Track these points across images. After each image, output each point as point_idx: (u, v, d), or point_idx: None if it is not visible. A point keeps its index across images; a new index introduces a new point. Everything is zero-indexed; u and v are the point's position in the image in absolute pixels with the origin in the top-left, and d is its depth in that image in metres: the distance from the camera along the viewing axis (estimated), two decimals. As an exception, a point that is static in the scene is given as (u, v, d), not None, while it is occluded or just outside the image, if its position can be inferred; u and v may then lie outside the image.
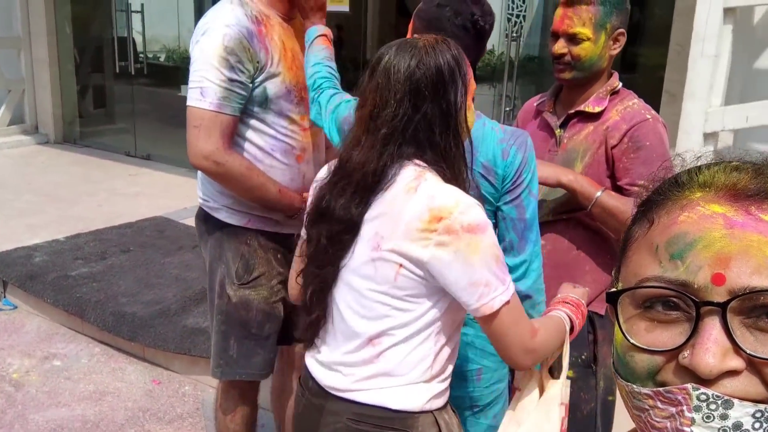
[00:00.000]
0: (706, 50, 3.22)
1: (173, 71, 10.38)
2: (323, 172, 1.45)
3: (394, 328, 1.31)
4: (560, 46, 1.77)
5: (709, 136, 3.31)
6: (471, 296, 1.24)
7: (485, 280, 1.23)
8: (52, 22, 7.28)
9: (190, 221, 5.11)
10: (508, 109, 5.43)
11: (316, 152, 2.07)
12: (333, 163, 1.40)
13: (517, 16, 18.88)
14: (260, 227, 1.99)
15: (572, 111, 1.86)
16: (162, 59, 10.99)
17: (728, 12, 3.20)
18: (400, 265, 1.27)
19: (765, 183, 0.56)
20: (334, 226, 1.31)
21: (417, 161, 1.29)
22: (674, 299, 0.54)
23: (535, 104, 2.00)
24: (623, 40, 1.79)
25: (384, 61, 1.28)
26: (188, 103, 1.82)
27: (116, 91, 7.78)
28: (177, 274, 3.87)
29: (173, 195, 5.59)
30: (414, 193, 1.25)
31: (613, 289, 0.59)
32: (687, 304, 0.53)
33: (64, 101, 7.52)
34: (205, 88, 1.78)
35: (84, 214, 5.01)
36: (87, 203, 5.32)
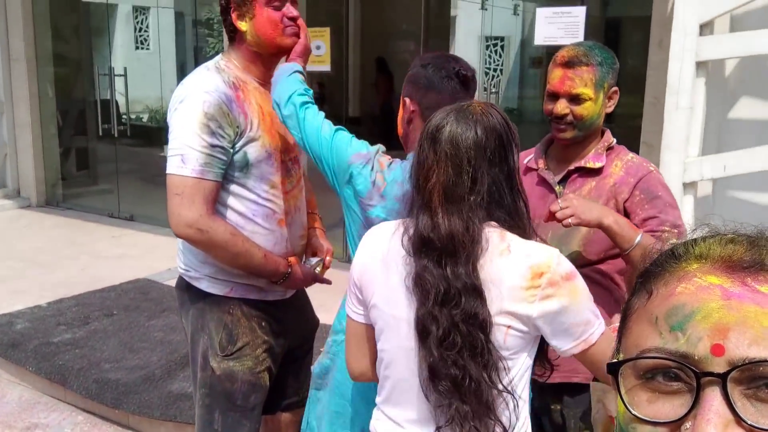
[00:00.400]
0: (681, 103, 3.30)
1: (156, 132, 10.44)
2: (371, 253, 1.42)
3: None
4: (563, 107, 1.79)
5: (689, 186, 3.36)
6: (570, 337, 1.32)
7: (586, 319, 1.32)
8: (35, 85, 7.32)
9: (174, 282, 5.09)
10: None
11: (298, 214, 2.06)
12: (379, 242, 1.39)
13: (495, 70, 19.23)
14: (243, 295, 1.96)
15: (572, 167, 1.88)
16: (145, 120, 11.05)
17: (700, 65, 3.29)
18: (509, 327, 1.30)
19: (760, 255, 0.57)
20: (463, 303, 1.27)
21: (492, 223, 1.32)
22: (675, 370, 0.55)
23: (524, 161, 2.00)
24: (617, 97, 1.85)
25: (447, 131, 1.31)
26: (168, 171, 1.80)
27: (99, 153, 7.80)
28: (162, 337, 3.82)
29: (157, 256, 5.55)
30: (509, 254, 1.30)
31: (615, 360, 0.60)
32: (688, 375, 0.54)
33: (46, 164, 7.51)
34: (185, 155, 1.77)
35: (66, 278, 4.96)
36: (70, 267, 5.26)
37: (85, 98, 7.80)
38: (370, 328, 1.47)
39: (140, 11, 17.04)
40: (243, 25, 1.86)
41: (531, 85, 16.23)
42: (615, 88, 1.82)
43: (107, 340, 3.77)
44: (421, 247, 1.30)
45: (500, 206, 1.33)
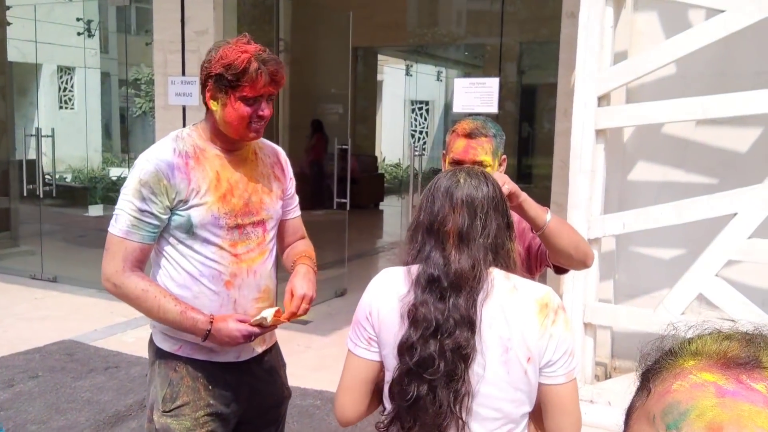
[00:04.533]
0: (583, 166, 3.63)
1: (81, 192, 10.33)
2: (384, 296, 1.51)
3: (515, 420, 1.49)
4: None
5: (593, 242, 3.66)
6: (563, 366, 1.47)
7: (571, 349, 1.49)
8: (-44, 146, 7.21)
9: (101, 343, 5.05)
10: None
11: (252, 278, 2.04)
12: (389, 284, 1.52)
13: (420, 132, 19.71)
14: (190, 355, 1.98)
15: None
16: (68, 180, 10.88)
17: (599, 133, 3.64)
18: (528, 359, 1.44)
19: (755, 352, 0.58)
20: (456, 333, 1.40)
21: (496, 268, 1.50)
22: None
23: None
24: (506, 163, 2.10)
25: (463, 184, 1.50)
26: (108, 228, 1.94)
27: (22, 213, 7.67)
28: (89, 397, 3.81)
29: (82, 317, 5.49)
30: (516, 292, 1.47)
31: None
32: None
33: (-35, 225, 7.34)
34: (118, 216, 1.90)
35: (-13, 341, 4.85)
36: (-10, 329, 5.15)
37: (8, 158, 7.71)
38: (378, 366, 1.52)
39: (65, 71, 16.95)
40: (214, 105, 1.92)
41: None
42: (504, 156, 2.09)
43: (33, 402, 3.73)
44: (428, 284, 1.45)
45: (502, 248, 1.52)
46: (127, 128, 17.76)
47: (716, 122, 3.81)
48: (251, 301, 2.04)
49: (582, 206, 3.65)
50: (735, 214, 3.34)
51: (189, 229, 1.93)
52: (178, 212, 1.92)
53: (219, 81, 1.88)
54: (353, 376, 1.55)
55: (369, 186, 11.98)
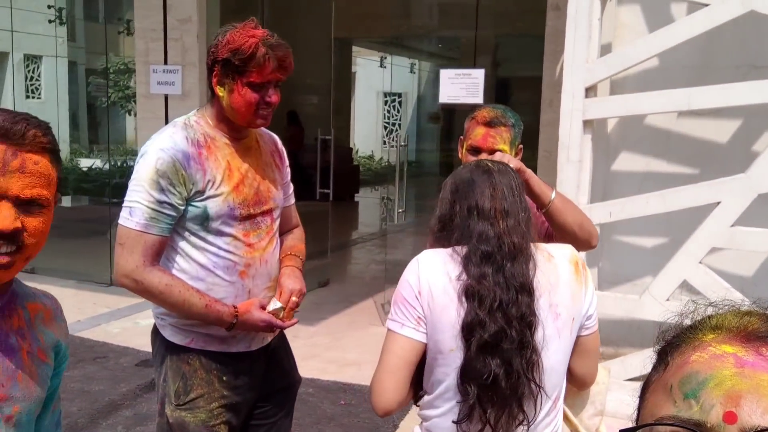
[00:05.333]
0: (571, 156, 3.71)
1: (55, 182, 10.15)
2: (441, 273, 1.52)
3: (559, 394, 1.60)
4: None
5: (580, 230, 3.74)
6: (595, 315, 1.61)
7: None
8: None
9: (86, 333, 5.01)
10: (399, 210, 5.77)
11: (264, 266, 2.04)
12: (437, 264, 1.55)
13: (393, 125, 19.70)
14: (203, 347, 1.97)
15: None
16: (40, 170, 10.62)
17: (587, 124, 3.71)
18: (573, 320, 1.55)
19: None
20: (519, 301, 1.47)
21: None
22: None
23: None
24: (521, 153, 2.14)
25: (495, 173, 1.59)
26: (118, 221, 1.87)
27: (-5, 204, 7.54)
28: (80, 387, 3.79)
29: (64, 308, 5.39)
30: (553, 259, 1.56)
31: (629, 427, 0.61)
32: None
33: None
34: (133, 209, 1.84)
35: (-32, 332, 4.79)
36: (-30, 321, 5.08)
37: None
38: (423, 348, 1.51)
39: (32, 60, 16.62)
40: (220, 91, 1.90)
41: (428, 139, 16.89)
42: (521, 146, 2.13)
43: (22, 392, 3.70)
44: (482, 260, 1.49)
45: (532, 224, 1.61)
46: (95, 119, 17.50)
47: (697, 113, 3.91)
48: (263, 290, 2.04)
49: (570, 196, 3.72)
50: (718, 203, 3.45)
51: (204, 221, 1.90)
52: (193, 203, 1.88)
53: (226, 66, 1.86)
54: (399, 357, 1.51)
55: (345, 178, 12.00)
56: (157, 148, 1.86)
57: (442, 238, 1.58)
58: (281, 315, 1.96)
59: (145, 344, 4.56)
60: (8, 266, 1.07)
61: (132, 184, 1.87)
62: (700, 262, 3.51)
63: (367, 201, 12.62)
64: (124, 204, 1.87)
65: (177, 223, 1.89)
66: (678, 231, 3.84)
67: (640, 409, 0.63)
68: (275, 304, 1.97)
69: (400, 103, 17.61)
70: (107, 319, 5.17)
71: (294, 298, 2.01)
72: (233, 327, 1.92)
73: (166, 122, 5.95)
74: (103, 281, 6.14)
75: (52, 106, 15.16)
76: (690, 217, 3.63)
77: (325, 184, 6.17)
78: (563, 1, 4.15)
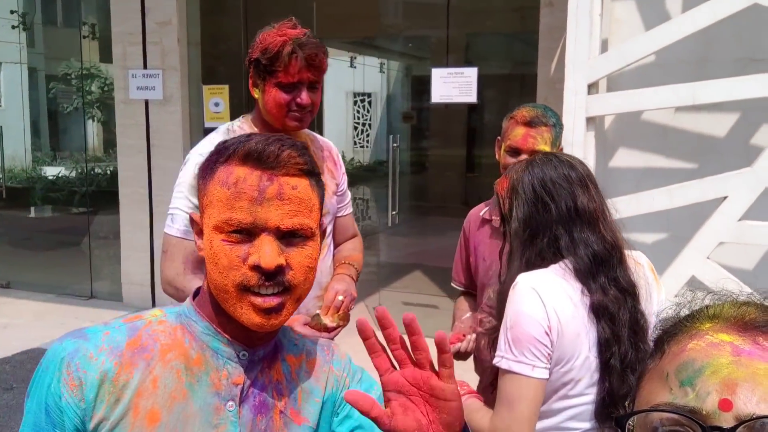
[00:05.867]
0: (576, 154, 3.65)
1: (23, 192, 9.85)
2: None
3: None
4: None
5: (586, 229, 3.69)
6: None
7: None
8: None
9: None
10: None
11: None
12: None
13: (363, 125, 19.57)
14: None
15: None
16: (9, 181, 10.34)
17: (590, 120, 3.67)
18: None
19: None
20: (638, 307, 1.43)
21: None
22: (684, 425, 0.55)
23: (480, 214, 2.16)
24: (562, 152, 2.07)
25: (577, 169, 1.51)
26: (164, 229, 1.84)
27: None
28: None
29: (45, 324, 5.24)
30: (639, 265, 1.51)
31: (623, 413, 0.61)
32: (695, 430, 0.54)
33: None
34: (175, 215, 1.80)
35: (-54, 353, 4.57)
36: (-54, 341, 4.85)
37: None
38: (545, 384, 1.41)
39: (-10, 67, 16.10)
40: (255, 93, 1.86)
41: (400, 138, 16.77)
42: (561, 146, 2.05)
43: (12, 415, 3.52)
44: (597, 266, 1.40)
45: None
46: (57, 126, 17.07)
47: (695, 108, 3.90)
48: (313, 299, 1.94)
49: (574, 193, 3.69)
50: (725, 198, 3.43)
51: None
52: None
53: (257, 67, 1.80)
54: (536, 404, 1.37)
55: (319, 179, 11.88)
56: (197, 153, 1.82)
57: (531, 244, 1.48)
58: (323, 321, 1.79)
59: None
60: (278, 309, 0.92)
61: (175, 191, 1.84)
62: (708, 258, 3.49)
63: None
64: (168, 211, 1.84)
65: None
66: (678, 227, 3.81)
67: (635, 396, 0.63)
68: (325, 319, 1.85)
69: (369, 103, 17.51)
70: (92, 334, 4.98)
71: (340, 297, 1.86)
72: None
73: (147, 128, 5.78)
74: (83, 294, 5.94)
75: (13, 114, 14.74)
76: (690, 212, 3.61)
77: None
78: (557, -2, 4.11)
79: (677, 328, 0.63)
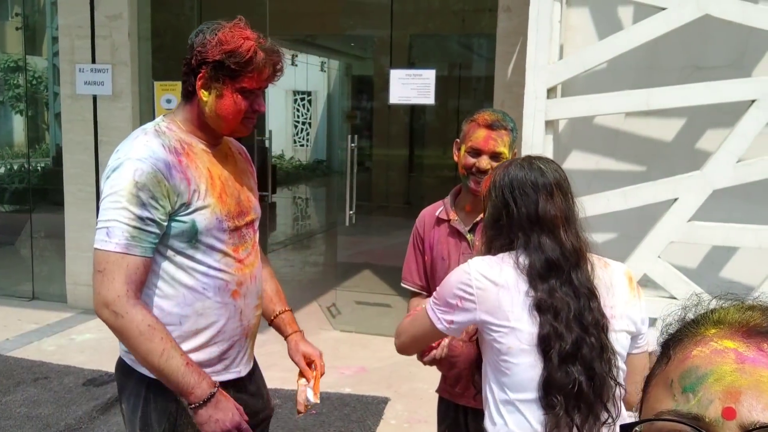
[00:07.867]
0: (535, 156, 3.76)
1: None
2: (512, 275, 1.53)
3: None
4: (487, 162, 2.04)
5: (544, 229, 3.81)
6: (647, 335, 1.60)
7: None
8: None
9: (19, 353, 4.65)
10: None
11: (253, 283, 1.88)
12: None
13: (303, 123, 19.49)
14: None
15: (480, 218, 2.13)
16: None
17: (548, 124, 3.79)
18: (626, 328, 1.55)
19: None
20: (592, 307, 1.48)
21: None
22: None
23: (436, 214, 2.21)
24: (517, 156, 2.16)
25: (548, 175, 1.57)
26: (94, 245, 1.64)
27: None
28: (26, 412, 3.51)
29: (-15, 326, 5.03)
30: (608, 266, 1.57)
31: (627, 422, 0.61)
32: None
33: None
34: (111, 228, 1.62)
35: None
36: None
37: None
38: (439, 336, 1.71)
39: None
40: (205, 95, 1.73)
41: (340, 137, 16.81)
42: (516, 151, 2.17)
43: (-39, 421, 3.38)
44: (548, 271, 1.49)
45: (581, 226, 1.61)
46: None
47: (644, 114, 4.07)
48: (252, 309, 1.89)
49: (533, 194, 3.79)
50: (675, 199, 3.59)
51: (192, 237, 1.71)
52: (178, 218, 1.69)
53: (217, 69, 1.69)
54: (426, 340, 1.75)
55: (262, 177, 11.78)
56: (134, 159, 1.64)
57: (491, 244, 1.60)
58: (312, 402, 1.91)
59: (86, 362, 4.29)
60: None
61: (106, 202, 1.64)
62: (659, 257, 3.65)
63: (285, 201, 12.43)
64: (99, 225, 1.64)
65: (159, 242, 1.68)
66: (626, 227, 3.97)
67: (642, 402, 0.63)
68: (309, 394, 1.87)
69: (310, 101, 17.44)
70: (38, 336, 4.82)
71: (321, 362, 2.02)
72: (204, 404, 1.66)
73: (95, 124, 5.62)
74: (25, 295, 5.73)
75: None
76: (637, 213, 3.77)
77: (264, 187, 6.01)
78: (515, 2, 4.22)
79: (682, 333, 0.63)
